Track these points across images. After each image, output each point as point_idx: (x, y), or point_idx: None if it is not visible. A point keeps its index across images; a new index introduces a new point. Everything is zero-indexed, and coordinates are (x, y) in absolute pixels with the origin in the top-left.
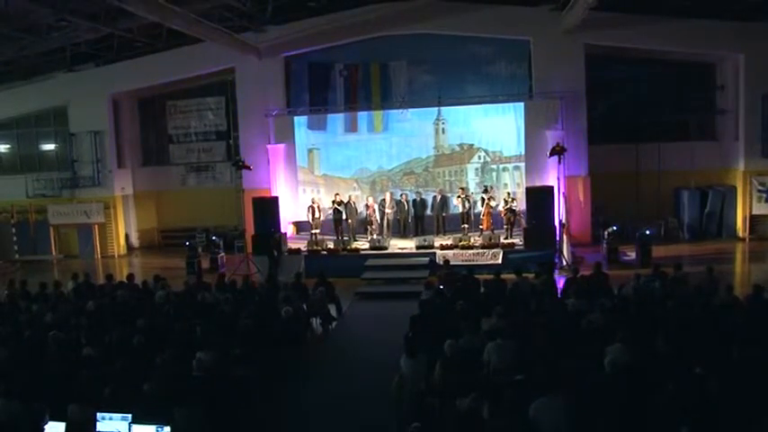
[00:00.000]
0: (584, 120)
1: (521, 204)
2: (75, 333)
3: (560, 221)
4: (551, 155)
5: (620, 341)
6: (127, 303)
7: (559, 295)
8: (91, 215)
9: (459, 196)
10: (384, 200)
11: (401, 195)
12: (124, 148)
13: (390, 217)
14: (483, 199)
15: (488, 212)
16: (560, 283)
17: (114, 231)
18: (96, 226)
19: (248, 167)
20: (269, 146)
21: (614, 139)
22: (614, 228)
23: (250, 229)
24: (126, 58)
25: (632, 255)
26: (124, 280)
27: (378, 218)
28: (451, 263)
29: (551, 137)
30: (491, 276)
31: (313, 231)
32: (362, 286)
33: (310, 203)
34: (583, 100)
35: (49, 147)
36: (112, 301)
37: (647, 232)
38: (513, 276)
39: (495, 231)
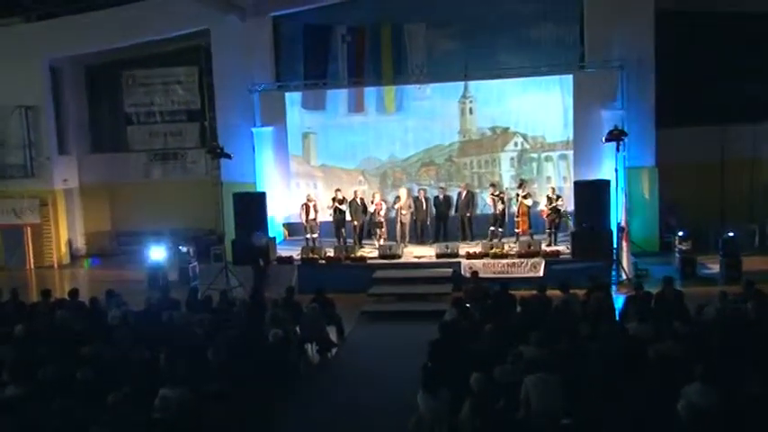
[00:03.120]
0: (651, 96)
1: (568, 203)
2: None
3: (619, 225)
4: (608, 140)
5: (700, 379)
6: (69, 327)
7: (618, 318)
8: (21, 214)
9: (490, 193)
10: (397, 197)
11: (418, 191)
12: (67, 129)
13: (405, 218)
14: (517, 196)
15: (525, 213)
16: (619, 302)
17: (54, 235)
18: (29, 228)
19: (228, 156)
20: (254, 129)
21: (692, 119)
22: (685, 233)
23: (230, 233)
24: (69, 13)
25: (715, 267)
26: (65, 297)
27: (384, 218)
28: (481, 275)
29: (608, 118)
30: (530, 293)
31: (309, 235)
32: (370, 304)
33: (305, 201)
34: (650, 70)
35: None
36: (49, 325)
37: (735, 239)
38: (557, 293)
39: (536, 237)
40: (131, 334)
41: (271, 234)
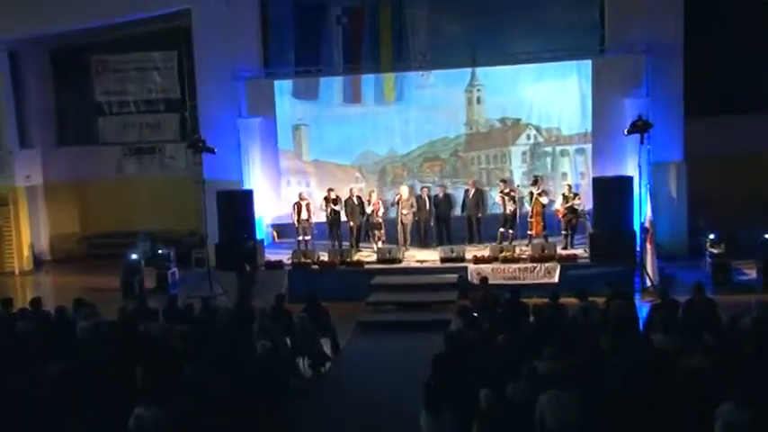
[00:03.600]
0: (679, 83)
1: (586, 201)
2: None
3: (643, 225)
4: (631, 132)
5: (735, 398)
6: (31, 340)
7: (642, 329)
8: None
9: (500, 191)
10: (398, 195)
11: (421, 189)
12: (29, 120)
13: (406, 219)
14: (531, 194)
15: (539, 213)
16: (643, 311)
17: (14, 237)
18: None
19: (211, 150)
20: (239, 120)
21: (725, 108)
22: (717, 235)
23: (213, 235)
24: None
25: (751, 273)
26: (27, 306)
27: (383, 218)
28: (490, 281)
29: (631, 107)
30: (544, 300)
31: (300, 238)
32: (367, 313)
33: (297, 200)
34: (679, 54)
35: None
36: (10, 338)
37: None
38: (575, 301)
39: (550, 239)
40: (103, 347)
41: (258, 236)
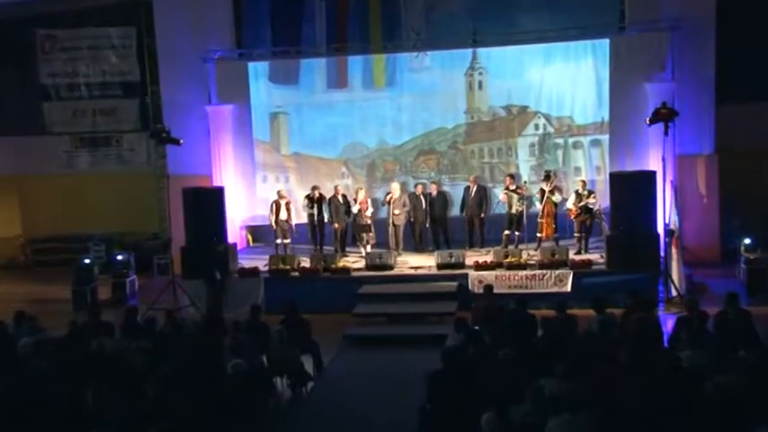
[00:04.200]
0: (710, 64)
1: (602, 200)
2: None
3: (667, 227)
4: (654, 121)
5: None
6: None
7: (666, 344)
8: None
9: (505, 188)
10: (389, 193)
11: (415, 186)
12: None
13: (398, 220)
14: (542, 192)
15: (550, 212)
16: (667, 324)
17: None
18: None
19: (176, 142)
20: (209, 108)
21: (762, 94)
22: (753, 238)
23: (179, 239)
24: None
25: None
26: None
27: (372, 219)
28: (494, 290)
29: (654, 93)
30: (554, 312)
31: (279, 241)
32: (354, 326)
33: (275, 198)
34: (710, 32)
35: None
36: None
37: None
38: (589, 313)
39: (562, 243)
40: (49, 366)
41: (231, 239)
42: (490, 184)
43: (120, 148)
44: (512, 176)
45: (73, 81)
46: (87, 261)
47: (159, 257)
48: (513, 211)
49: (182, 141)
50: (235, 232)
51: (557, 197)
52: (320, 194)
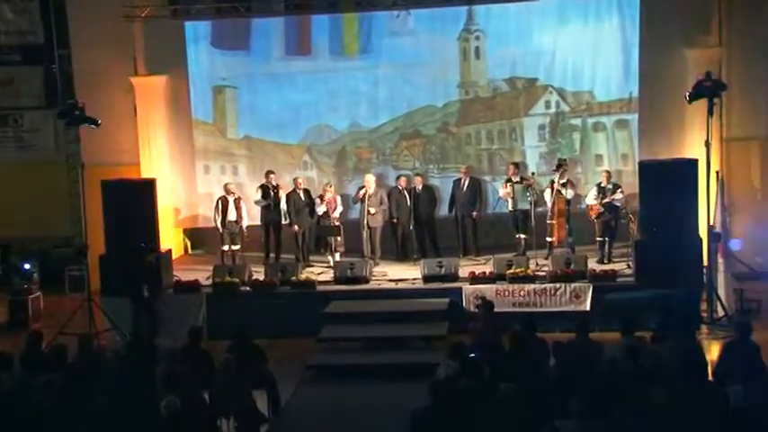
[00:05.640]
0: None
1: (630, 196)
2: None
3: (712, 230)
4: (694, 97)
5: None
6: None
7: (711, 376)
8: None
9: (508, 180)
10: (363, 188)
11: (397, 180)
12: None
13: (375, 221)
14: (552, 184)
15: (562, 211)
16: (713, 351)
17: None
18: None
19: (93, 122)
20: (134, 79)
21: None
22: None
23: (98, 245)
24: None
25: None
26: None
27: (342, 221)
28: (495, 309)
29: (696, 61)
30: (570, 336)
31: (226, 247)
32: (320, 354)
33: (222, 194)
34: None
35: None
36: None
37: None
38: (614, 337)
39: (579, 248)
40: None
41: (163, 245)
42: (489, 177)
43: (19, 129)
44: (516, 165)
45: None
46: None
47: (72, 269)
48: (518, 209)
49: (100, 122)
50: (169, 237)
51: (568, 192)
52: (276, 185)
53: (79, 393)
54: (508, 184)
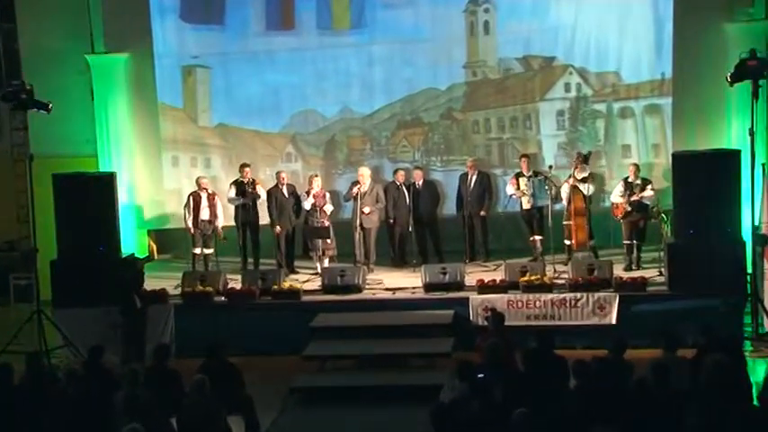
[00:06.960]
0: None
1: (662, 193)
2: None
3: (756, 230)
4: (736, 79)
5: None
6: None
7: (756, 398)
8: None
9: (519, 174)
10: (356, 184)
11: (394, 174)
12: None
13: (370, 221)
14: (569, 179)
15: (580, 210)
16: (759, 371)
17: None
18: None
19: (43, 106)
20: (92, 58)
21: None
22: None
23: (49, 249)
24: None
25: None
26: None
27: (331, 221)
28: (506, 322)
29: (738, 38)
30: (595, 353)
31: (198, 251)
32: (306, 374)
33: (194, 189)
34: None
35: None
36: None
37: None
38: (645, 354)
39: (603, 253)
40: None
41: (126, 249)
42: (499, 170)
43: None
44: (527, 158)
45: None
46: None
47: (18, 276)
48: (533, 207)
49: (51, 106)
50: (132, 239)
51: (588, 188)
52: (253, 180)
53: (25, 420)
54: (519, 180)
